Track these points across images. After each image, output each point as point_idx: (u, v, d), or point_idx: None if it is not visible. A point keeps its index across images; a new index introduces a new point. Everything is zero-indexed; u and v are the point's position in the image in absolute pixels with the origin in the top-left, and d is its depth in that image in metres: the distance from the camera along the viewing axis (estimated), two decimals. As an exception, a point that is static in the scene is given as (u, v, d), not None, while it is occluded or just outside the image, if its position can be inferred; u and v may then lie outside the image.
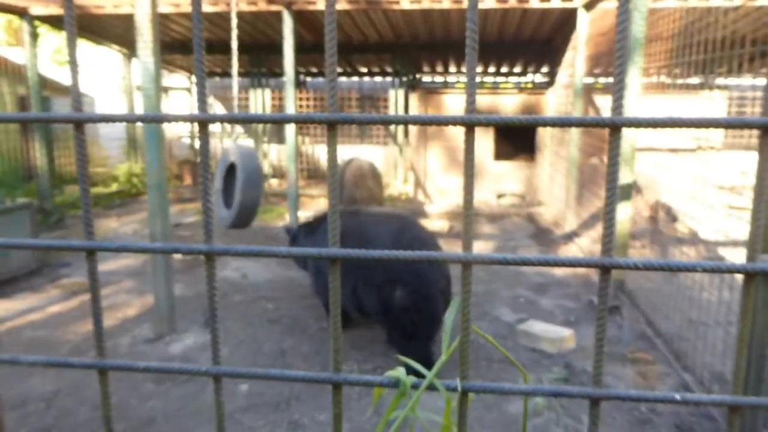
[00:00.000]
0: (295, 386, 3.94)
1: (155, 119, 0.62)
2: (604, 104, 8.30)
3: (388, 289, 3.97)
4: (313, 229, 5.08)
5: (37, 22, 8.80)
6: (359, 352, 4.45)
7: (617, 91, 0.53)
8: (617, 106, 0.54)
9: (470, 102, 0.51)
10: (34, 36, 8.45)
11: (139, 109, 12.17)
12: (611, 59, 6.65)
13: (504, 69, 12.84)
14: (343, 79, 13.35)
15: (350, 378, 0.56)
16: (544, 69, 12.19)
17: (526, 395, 0.57)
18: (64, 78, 12.97)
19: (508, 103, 10.57)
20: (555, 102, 10.00)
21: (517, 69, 12.85)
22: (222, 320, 4.99)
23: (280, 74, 12.17)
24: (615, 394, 0.56)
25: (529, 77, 13.54)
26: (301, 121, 0.63)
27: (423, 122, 0.57)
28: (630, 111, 5.17)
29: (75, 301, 5.57)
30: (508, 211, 10.14)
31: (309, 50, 10.49)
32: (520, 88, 11.58)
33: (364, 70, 12.96)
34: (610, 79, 7.66)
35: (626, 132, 4.95)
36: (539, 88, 11.56)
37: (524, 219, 9.73)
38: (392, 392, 0.55)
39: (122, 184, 11.33)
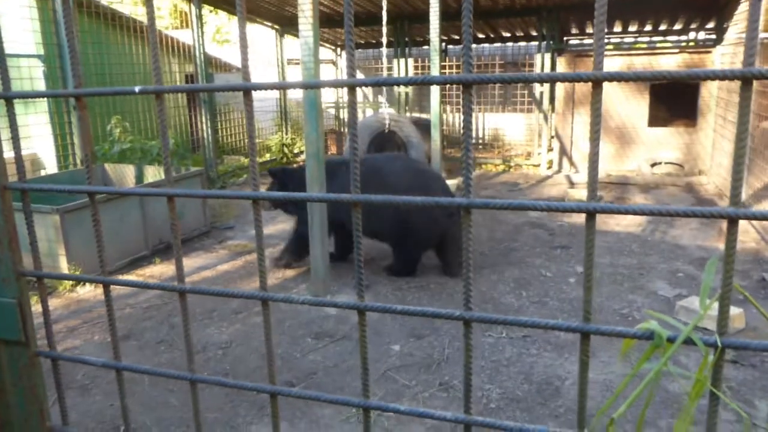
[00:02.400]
0: (445, 348, 4.04)
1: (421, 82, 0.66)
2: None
3: (405, 213, 5.07)
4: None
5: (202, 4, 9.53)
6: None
7: None
8: None
9: (750, 54, 0.49)
10: (200, 18, 9.17)
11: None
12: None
13: (662, 27, 11.84)
14: (486, 45, 13.08)
15: (602, 328, 0.58)
16: (710, 25, 11.07)
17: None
18: (224, 56, 14.00)
19: (666, 63, 9.75)
20: (722, 62, 9.08)
21: (678, 26, 11.79)
22: (372, 284, 5.21)
23: (422, 43, 12.22)
24: None
25: (691, 35, 12.39)
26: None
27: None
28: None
29: (240, 261, 6.09)
30: (663, 180, 9.46)
31: (452, 17, 10.38)
32: (681, 47, 10.62)
33: (508, 34, 12.59)
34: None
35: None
36: (703, 46, 10.54)
37: (682, 189, 9.03)
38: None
39: (274, 153, 12.07)
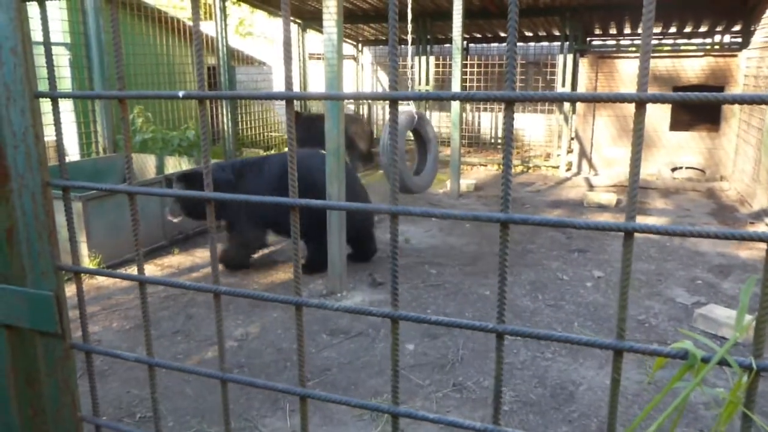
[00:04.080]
0: (459, 349, 4.04)
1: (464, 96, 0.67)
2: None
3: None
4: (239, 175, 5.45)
5: (225, -3, 9.58)
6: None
7: None
8: None
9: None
10: (224, 11, 9.22)
11: (317, 77, 12.83)
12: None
13: (687, 29, 11.70)
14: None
15: (636, 346, 0.59)
16: (736, 28, 10.91)
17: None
18: (246, 48, 14.08)
19: (691, 67, 9.64)
20: (748, 66, 8.95)
21: (703, 29, 11.65)
22: (388, 282, 5.22)
23: (444, 41, 12.18)
24: None
25: (716, 38, 12.22)
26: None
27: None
28: None
29: (256, 254, 6.13)
30: (684, 185, 9.36)
31: (474, 16, 10.35)
32: (706, 51, 10.49)
33: (530, 34, 12.51)
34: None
35: None
36: (728, 50, 10.39)
37: (703, 195, 8.93)
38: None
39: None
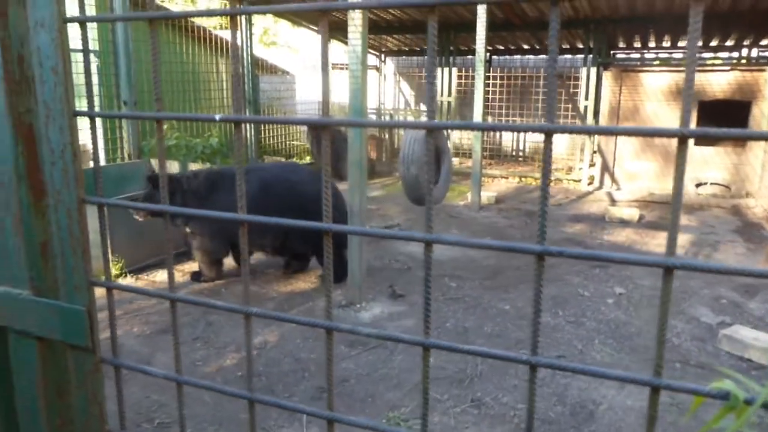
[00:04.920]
0: (478, 364, 4.01)
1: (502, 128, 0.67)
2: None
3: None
4: (212, 187, 5.35)
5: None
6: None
7: None
8: None
9: None
10: (249, 20, 9.33)
11: (340, 87, 12.94)
12: None
13: (713, 42, 11.57)
14: (531, 56, 12.99)
15: (673, 384, 0.58)
16: (764, 42, 10.78)
17: None
18: (270, 57, 14.23)
19: (717, 81, 9.51)
20: (777, 81, 8.81)
21: (729, 42, 11.51)
22: (408, 294, 5.21)
23: (467, 52, 12.19)
24: None
25: (743, 51, 12.08)
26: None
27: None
28: None
29: (276, 263, 6.17)
30: (708, 201, 9.23)
31: (498, 28, 10.34)
32: (732, 65, 10.35)
33: (553, 46, 12.48)
34: None
35: None
36: (756, 64, 10.26)
37: (728, 212, 8.79)
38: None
39: (314, 156, 12.19)
